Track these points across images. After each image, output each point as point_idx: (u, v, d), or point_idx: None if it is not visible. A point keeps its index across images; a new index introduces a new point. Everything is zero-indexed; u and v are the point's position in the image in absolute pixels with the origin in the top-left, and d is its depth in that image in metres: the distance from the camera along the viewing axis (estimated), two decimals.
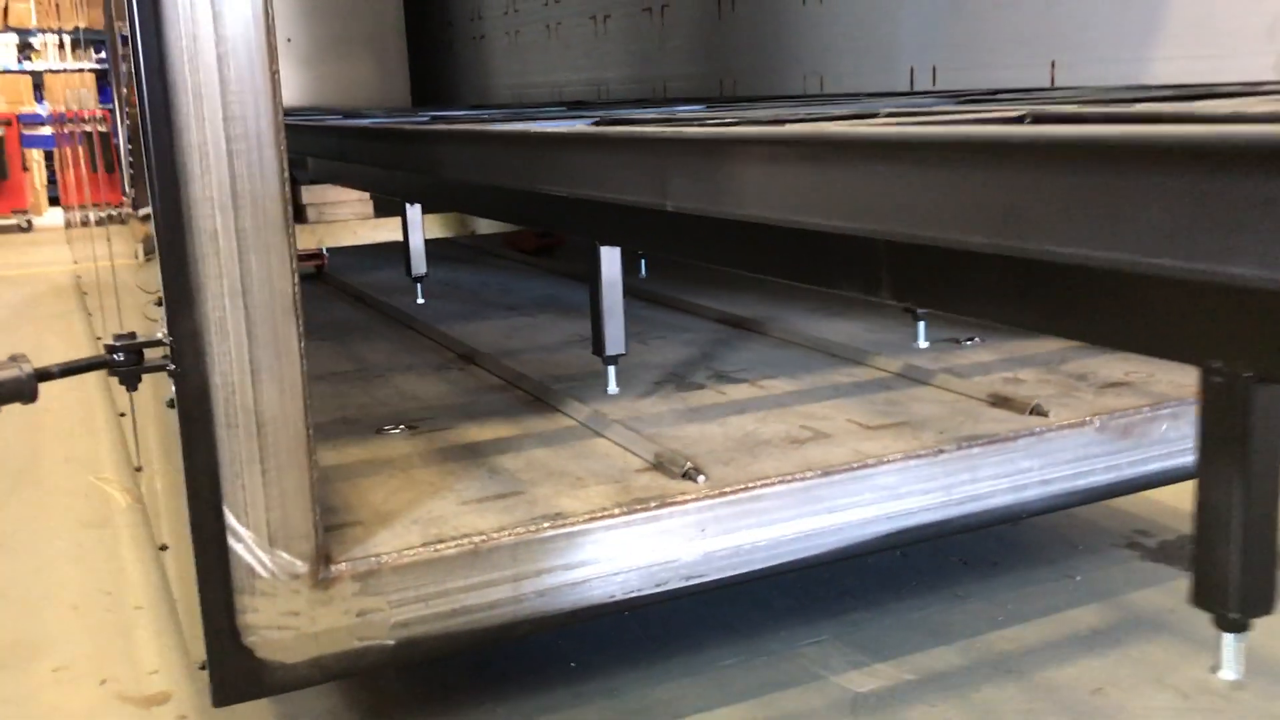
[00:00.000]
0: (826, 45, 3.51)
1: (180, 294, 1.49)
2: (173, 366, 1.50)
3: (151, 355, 1.55)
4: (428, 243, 3.81)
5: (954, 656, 2.18)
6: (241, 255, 1.51)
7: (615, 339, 2.44)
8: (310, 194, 4.57)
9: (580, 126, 1.87)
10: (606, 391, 2.47)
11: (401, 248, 3.81)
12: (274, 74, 1.50)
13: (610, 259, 2.37)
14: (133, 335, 1.52)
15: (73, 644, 2.37)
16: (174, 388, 1.52)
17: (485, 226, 4.87)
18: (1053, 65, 2.76)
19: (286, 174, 1.53)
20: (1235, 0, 2.35)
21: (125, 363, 1.49)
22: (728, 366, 2.69)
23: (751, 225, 1.54)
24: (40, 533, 3.02)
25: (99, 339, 4.09)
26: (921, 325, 2.78)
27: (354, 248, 4.67)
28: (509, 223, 4.61)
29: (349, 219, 4.58)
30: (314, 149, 3.98)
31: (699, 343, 2.97)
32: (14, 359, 1.42)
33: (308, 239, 4.48)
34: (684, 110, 2.48)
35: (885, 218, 1.12)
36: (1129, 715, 1.96)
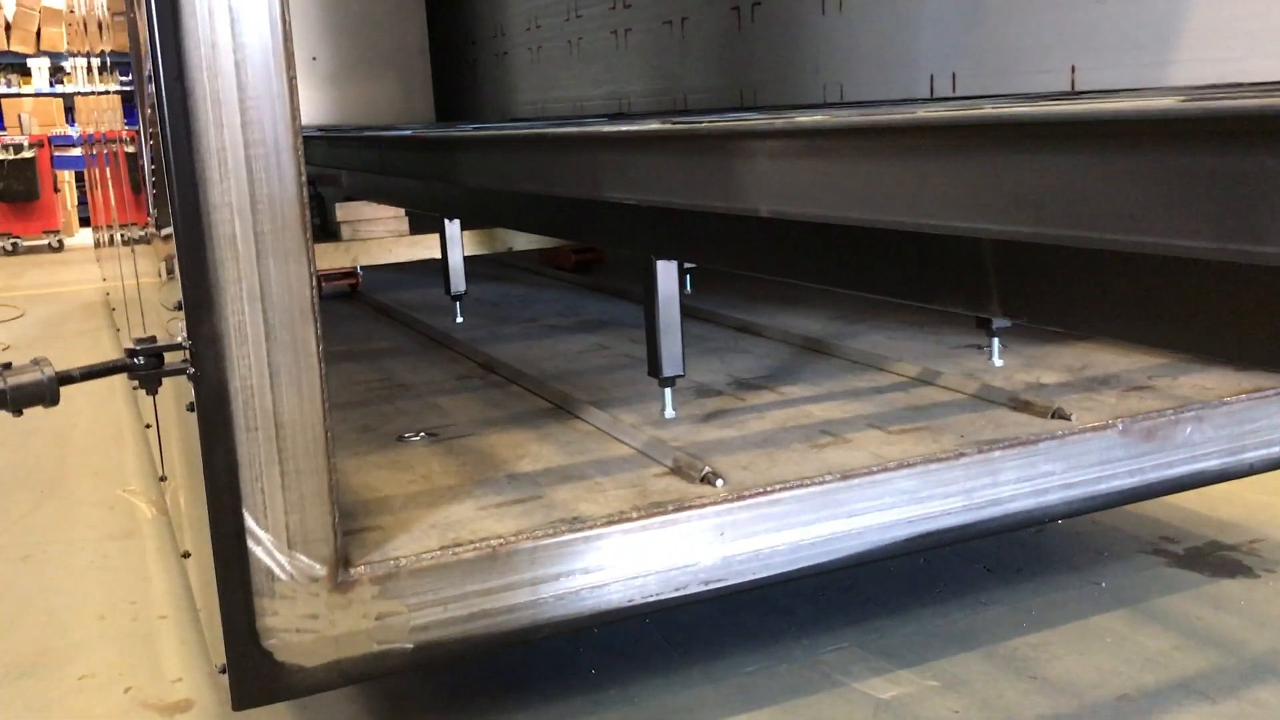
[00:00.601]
0: (846, 54, 3.51)
1: (199, 298, 1.50)
2: (192, 370, 1.51)
3: (172, 359, 1.57)
4: (464, 260, 3.73)
5: (978, 663, 2.16)
6: (260, 259, 1.53)
7: (673, 359, 2.27)
8: (344, 211, 4.40)
9: (657, 124, 1.76)
10: (664, 415, 2.32)
11: (437, 266, 3.74)
12: (291, 80, 1.52)
13: (667, 274, 2.22)
14: (153, 339, 1.54)
15: (98, 652, 2.39)
16: (193, 391, 1.53)
17: (522, 243, 4.72)
18: (1073, 70, 2.75)
19: (305, 179, 1.54)
20: (1254, 2, 2.34)
21: (145, 366, 1.50)
22: (746, 373, 2.69)
23: (840, 234, 1.43)
24: (67, 544, 3.04)
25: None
26: (995, 342, 2.60)
27: (388, 266, 4.58)
28: (558, 237, 4.37)
29: (384, 236, 4.41)
30: (350, 162, 3.93)
31: (719, 350, 2.97)
32: (36, 362, 1.44)
33: (341, 257, 4.31)
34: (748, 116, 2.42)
35: (1044, 216, 0.94)
36: None
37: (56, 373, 1.45)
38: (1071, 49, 2.74)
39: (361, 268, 4.43)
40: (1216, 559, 2.57)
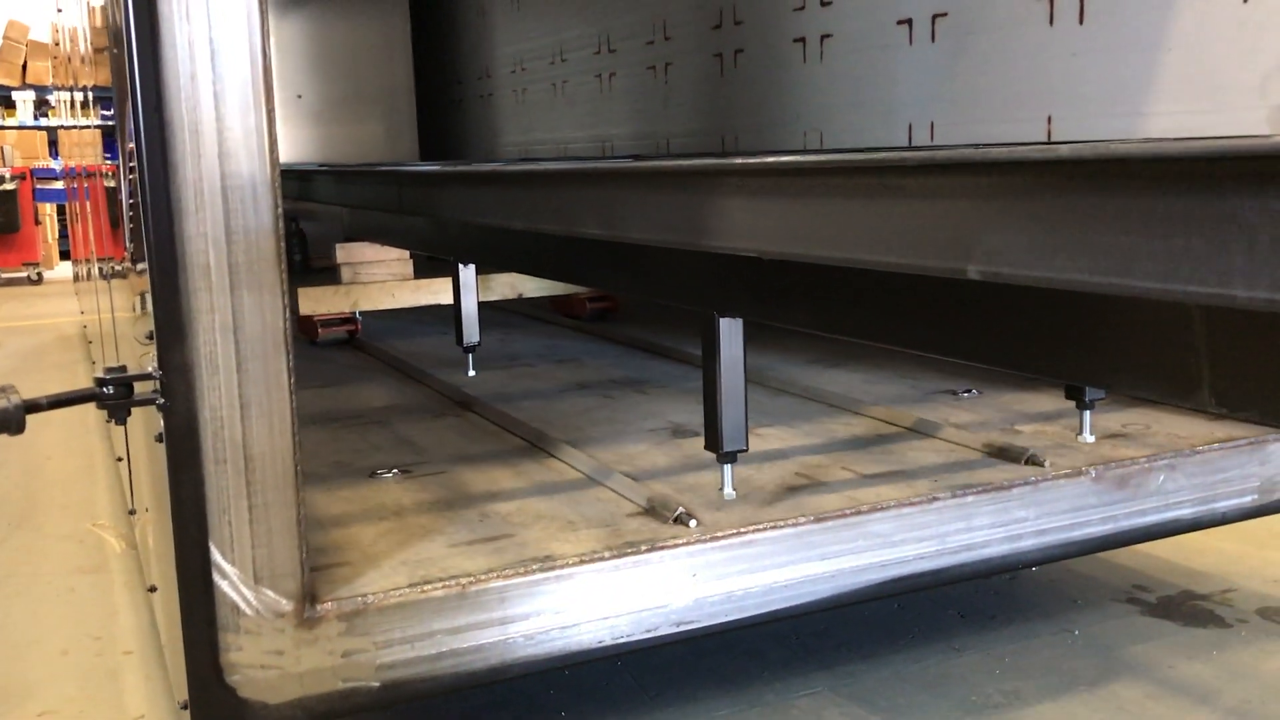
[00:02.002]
0: (826, 102, 3.55)
1: (171, 327, 1.49)
2: (162, 400, 1.50)
3: (142, 390, 1.55)
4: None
5: (950, 709, 2.15)
6: (234, 290, 1.52)
7: (735, 431, 1.97)
8: (344, 252, 4.09)
9: (795, 157, 1.46)
10: (723, 495, 2.03)
11: (440, 312, 3.48)
12: (269, 113, 1.52)
13: (732, 334, 1.94)
14: (123, 369, 1.53)
15: (60, 688, 2.35)
16: (163, 422, 1.52)
17: (531, 289, 4.37)
18: (1049, 120, 2.78)
19: (281, 211, 1.54)
20: (1228, 56, 2.38)
21: (114, 396, 1.49)
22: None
23: (987, 298, 1.16)
24: (34, 577, 3.00)
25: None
26: (1087, 415, 2.32)
27: (389, 312, 4.24)
28: (599, 288, 3.99)
29: (386, 280, 4.12)
30: (360, 199, 3.72)
31: (696, 391, 2.96)
32: (3, 389, 1.42)
33: (340, 301, 4.00)
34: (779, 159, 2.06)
35: None
36: None
37: (23, 400, 1.43)
38: (1047, 100, 2.78)
39: (360, 313, 4.12)
40: (1189, 608, 2.57)
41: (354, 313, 4.07)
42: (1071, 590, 2.69)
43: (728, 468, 2.03)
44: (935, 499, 2.03)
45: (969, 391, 2.80)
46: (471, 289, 3.27)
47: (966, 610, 2.59)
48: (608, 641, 1.81)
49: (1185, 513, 2.26)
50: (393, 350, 3.84)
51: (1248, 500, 2.33)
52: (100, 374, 1.51)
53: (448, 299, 3.77)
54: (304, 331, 3.98)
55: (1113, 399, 2.64)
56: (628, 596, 1.81)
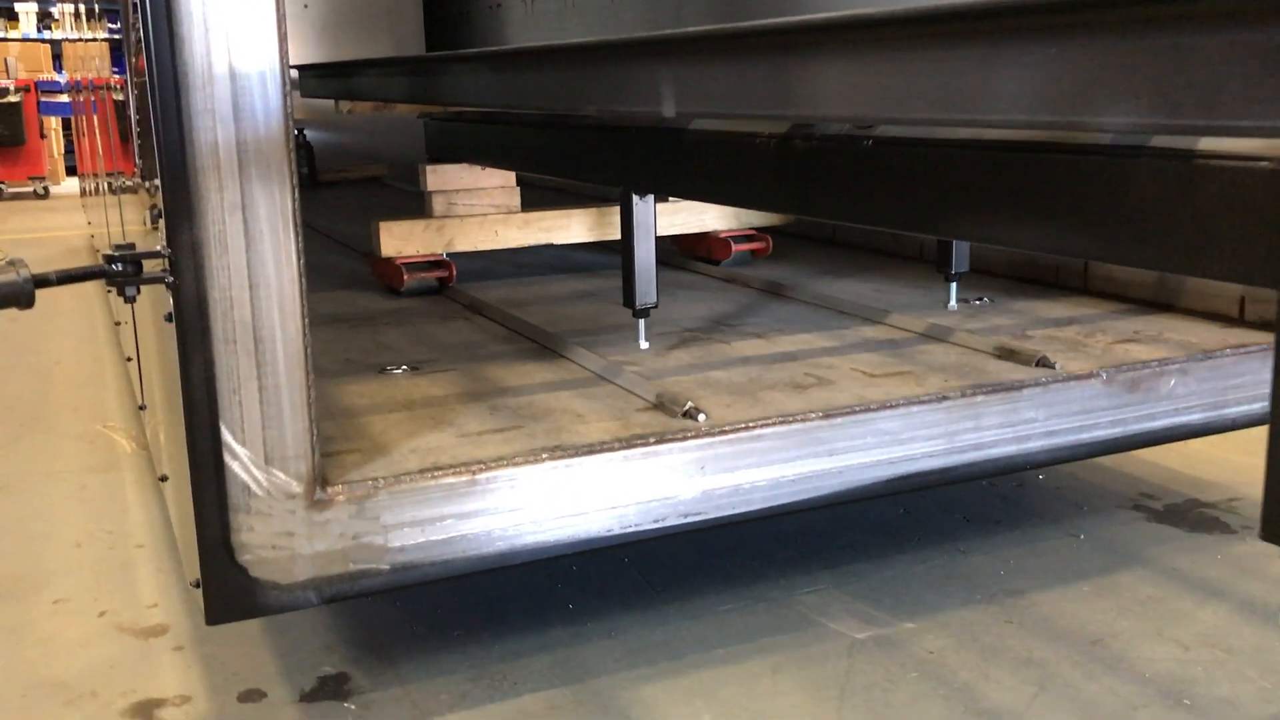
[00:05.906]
0: (850, 6, 3.48)
1: (180, 205, 1.48)
2: (171, 279, 1.50)
3: (150, 268, 1.55)
4: (572, 250, 2.71)
5: (955, 607, 2.17)
6: (242, 169, 1.51)
7: None
8: (435, 177, 3.19)
9: None
10: None
11: (553, 252, 3.04)
12: None
13: None
14: (132, 246, 1.52)
15: (74, 578, 2.38)
16: (172, 301, 1.52)
17: (665, 226, 3.25)
18: None
19: (289, 89, 1.52)
20: None
21: (123, 272, 1.48)
22: (733, 319, 2.68)
23: None
24: (46, 476, 3.03)
25: (109, 291, 4.09)
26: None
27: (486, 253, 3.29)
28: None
29: (488, 213, 3.21)
30: (450, 96, 2.87)
31: (707, 300, 2.95)
32: (12, 263, 1.42)
33: (433, 239, 3.12)
34: None
35: None
36: (1128, 664, 1.95)
37: (32, 274, 1.43)
38: None
39: (448, 255, 3.19)
40: (1195, 515, 2.58)
41: (443, 254, 3.21)
42: (1078, 497, 2.70)
43: None
44: (944, 398, 2.02)
45: (981, 299, 2.78)
46: (649, 231, 2.37)
47: (973, 515, 2.60)
48: (615, 530, 1.82)
49: (1195, 418, 2.26)
50: (505, 307, 2.88)
51: (1257, 407, 2.33)
52: (109, 251, 1.50)
53: (562, 237, 3.19)
54: (384, 277, 3.22)
55: (1126, 306, 2.62)
56: (636, 487, 1.82)
